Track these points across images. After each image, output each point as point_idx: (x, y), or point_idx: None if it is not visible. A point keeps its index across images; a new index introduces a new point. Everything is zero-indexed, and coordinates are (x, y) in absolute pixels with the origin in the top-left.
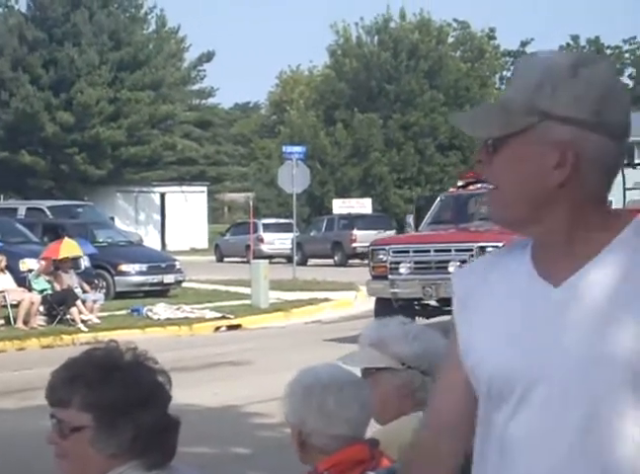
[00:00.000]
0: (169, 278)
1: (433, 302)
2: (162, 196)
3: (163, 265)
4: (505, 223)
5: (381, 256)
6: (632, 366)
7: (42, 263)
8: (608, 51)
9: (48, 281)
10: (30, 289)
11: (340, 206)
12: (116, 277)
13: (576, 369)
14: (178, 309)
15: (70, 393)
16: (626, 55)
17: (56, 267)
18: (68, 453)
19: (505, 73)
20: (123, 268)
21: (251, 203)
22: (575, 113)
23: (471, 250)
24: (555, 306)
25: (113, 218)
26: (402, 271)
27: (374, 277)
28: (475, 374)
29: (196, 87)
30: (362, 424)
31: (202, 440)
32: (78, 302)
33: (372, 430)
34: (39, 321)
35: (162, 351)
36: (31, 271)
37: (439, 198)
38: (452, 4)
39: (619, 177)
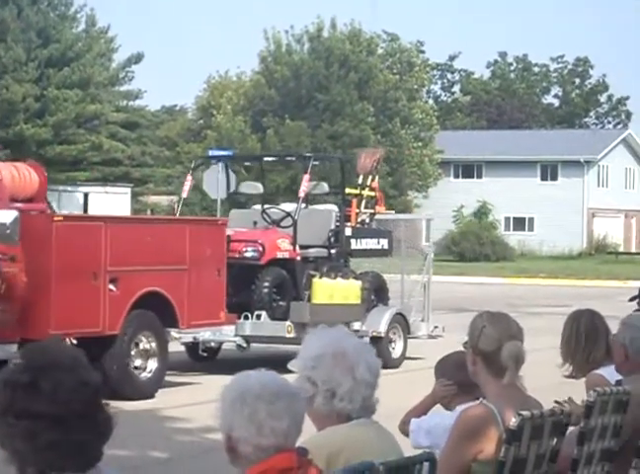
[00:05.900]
0: None
1: None
2: (85, 196)
3: None
4: None
5: None
6: None
7: None
8: (536, 69)
9: None
10: None
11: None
12: None
13: None
14: None
15: None
16: (553, 74)
17: None
18: None
19: (432, 86)
20: None
21: (175, 206)
22: None
23: None
24: None
25: None
26: None
27: None
28: None
29: (124, 88)
30: (293, 436)
31: (121, 444)
32: None
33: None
34: None
35: None
36: None
37: None
38: (382, 16)
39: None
